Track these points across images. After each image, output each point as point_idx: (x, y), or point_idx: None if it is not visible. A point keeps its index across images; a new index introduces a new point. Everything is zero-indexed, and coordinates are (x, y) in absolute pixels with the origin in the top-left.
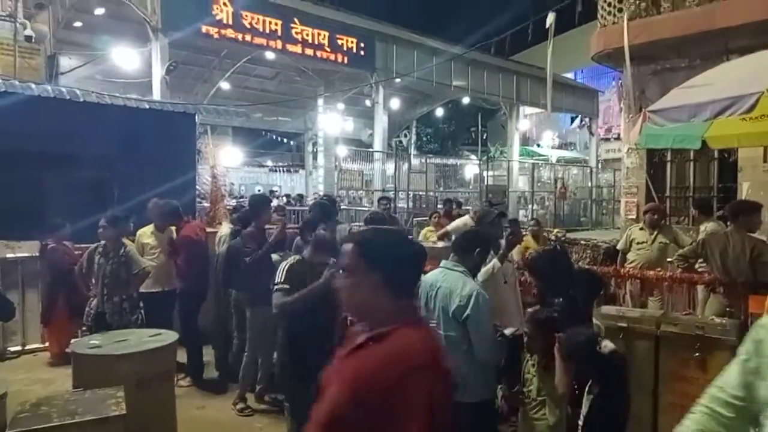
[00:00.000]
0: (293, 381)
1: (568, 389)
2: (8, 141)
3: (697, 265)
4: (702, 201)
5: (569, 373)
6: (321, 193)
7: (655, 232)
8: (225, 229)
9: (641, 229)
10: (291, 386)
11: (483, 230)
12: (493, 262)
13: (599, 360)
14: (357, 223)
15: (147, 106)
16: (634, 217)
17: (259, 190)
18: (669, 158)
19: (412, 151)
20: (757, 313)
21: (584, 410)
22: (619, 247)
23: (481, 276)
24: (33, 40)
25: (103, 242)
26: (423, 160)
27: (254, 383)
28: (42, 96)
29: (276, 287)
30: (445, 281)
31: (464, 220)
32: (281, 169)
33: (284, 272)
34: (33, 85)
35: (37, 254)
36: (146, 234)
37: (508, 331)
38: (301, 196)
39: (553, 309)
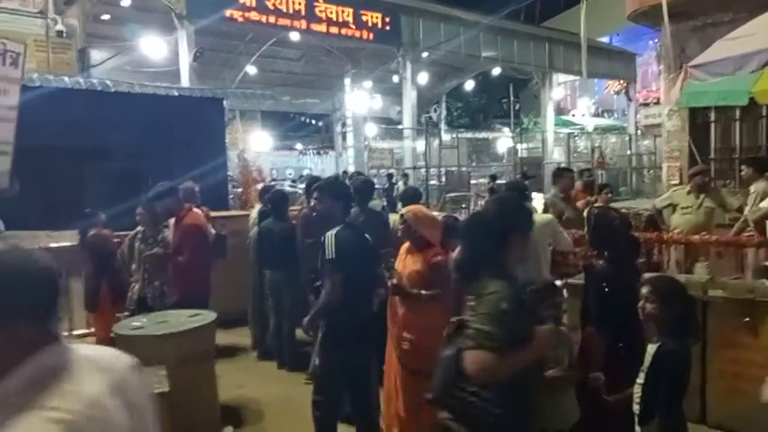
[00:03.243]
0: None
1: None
2: (45, 135)
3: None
4: (757, 158)
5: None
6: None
7: (702, 196)
8: (256, 211)
9: (688, 192)
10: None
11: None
12: None
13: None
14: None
15: (176, 93)
16: (677, 182)
17: (290, 174)
18: (713, 118)
19: (443, 126)
20: None
21: (646, 364)
22: (656, 204)
23: None
24: (64, 35)
25: (141, 228)
26: (454, 136)
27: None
28: (75, 89)
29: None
30: None
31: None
32: (311, 151)
33: None
34: (66, 78)
35: (78, 243)
36: None
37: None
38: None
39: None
